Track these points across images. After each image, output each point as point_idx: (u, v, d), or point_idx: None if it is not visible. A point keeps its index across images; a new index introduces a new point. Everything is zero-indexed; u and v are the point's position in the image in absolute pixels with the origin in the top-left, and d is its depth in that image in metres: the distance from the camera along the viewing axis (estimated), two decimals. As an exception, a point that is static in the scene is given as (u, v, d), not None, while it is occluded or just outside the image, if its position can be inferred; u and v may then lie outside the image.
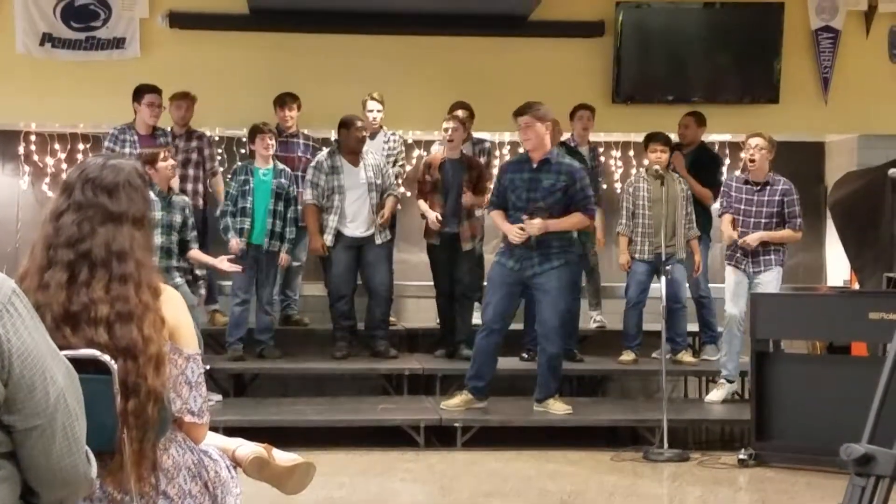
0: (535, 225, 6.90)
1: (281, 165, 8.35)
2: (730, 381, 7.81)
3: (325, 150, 8.52)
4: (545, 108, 7.11)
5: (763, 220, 7.61)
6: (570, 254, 7.17)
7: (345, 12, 9.16)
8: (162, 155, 7.27)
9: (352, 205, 8.31)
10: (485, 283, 8.04)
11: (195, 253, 7.45)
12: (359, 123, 8.34)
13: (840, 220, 9.04)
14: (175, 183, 7.60)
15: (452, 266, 8.48)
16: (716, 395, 7.94)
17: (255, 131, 8.25)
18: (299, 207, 8.38)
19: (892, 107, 9.70)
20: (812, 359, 7.99)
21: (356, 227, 8.33)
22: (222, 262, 7.45)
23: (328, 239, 8.32)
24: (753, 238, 7.57)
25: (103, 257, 2.71)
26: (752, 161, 7.57)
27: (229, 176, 8.49)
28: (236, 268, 7.56)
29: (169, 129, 8.58)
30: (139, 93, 8.29)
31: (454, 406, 7.34)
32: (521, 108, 7.13)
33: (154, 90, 8.29)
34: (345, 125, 8.32)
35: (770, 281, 7.58)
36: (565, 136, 9.10)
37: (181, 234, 7.33)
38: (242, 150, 9.50)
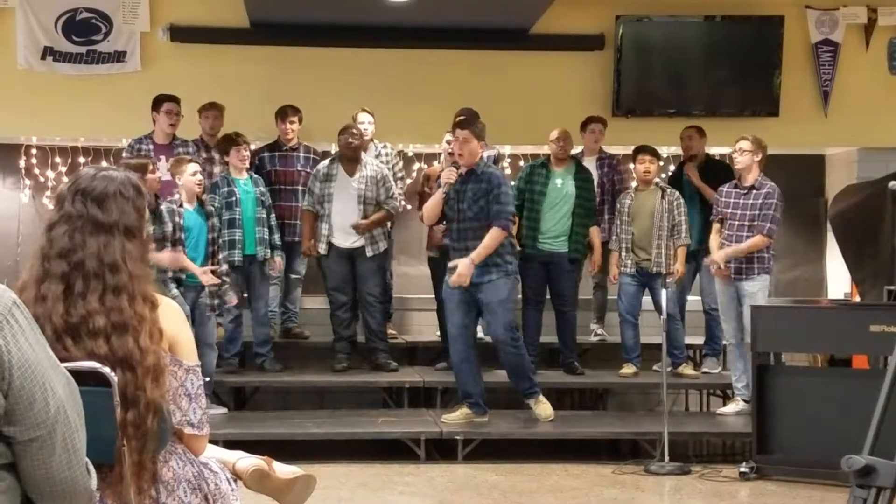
0: (463, 268, 7.02)
1: (254, 175, 8.34)
2: (745, 401, 7.62)
3: (329, 158, 8.54)
4: (483, 126, 7.38)
5: (746, 224, 7.59)
6: (507, 265, 7.22)
7: (346, 26, 9.18)
8: (150, 167, 7.23)
9: (339, 214, 8.30)
10: None
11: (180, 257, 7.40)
12: (353, 131, 8.35)
13: (840, 232, 9.03)
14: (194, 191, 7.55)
15: None
16: (727, 408, 7.96)
17: (230, 143, 8.18)
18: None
19: (892, 119, 9.71)
20: (813, 372, 7.99)
21: (345, 238, 8.34)
22: (206, 274, 7.39)
23: (321, 247, 8.34)
24: (719, 256, 7.59)
25: (96, 268, 2.70)
26: (736, 162, 7.61)
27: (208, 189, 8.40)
28: (215, 280, 7.51)
29: (190, 140, 8.52)
30: (158, 102, 8.32)
31: (455, 420, 7.34)
32: (462, 122, 7.48)
33: (172, 99, 8.33)
34: (339, 133, 8.36)
35: (755, 292, 7.53)
36: (578, 149, 9.11)
37: (211, 244, 7.34)
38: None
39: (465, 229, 7.22)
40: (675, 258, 8.21)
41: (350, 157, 8.34)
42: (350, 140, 8.29)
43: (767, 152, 7.72)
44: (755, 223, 7.56)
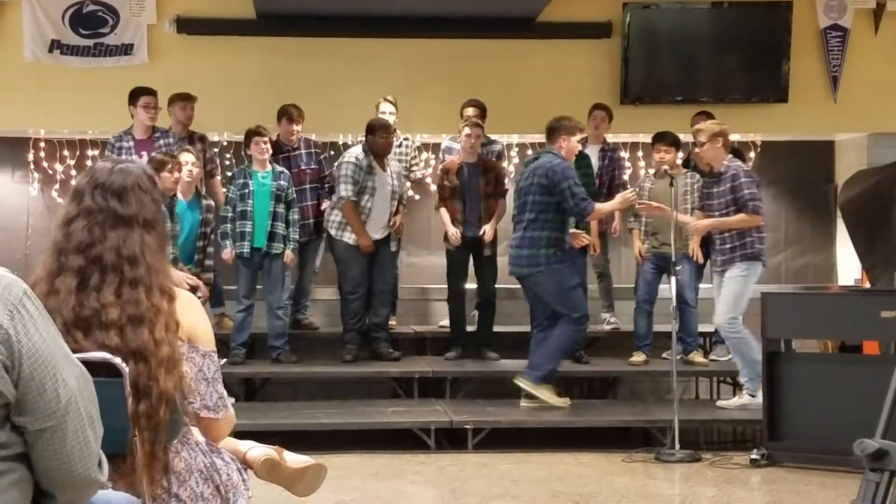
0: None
1: (280, 168, 8.32)
2: (751, 396, 7.45)
3: (358, 148, 8.41)
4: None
5: (720, 213, 7.44)
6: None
7: (352, 16, 9.17)
8: (170, 165, 7.16)
9: (379, 208, 8.32)
10: None
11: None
12: (389, 128, 8.34)
13: (850, 219, 9.01)
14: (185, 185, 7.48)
15: (472, 270, 8.49)
16: (731, 402, 7.81)
17: (250, 135, 8.20)
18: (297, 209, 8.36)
19: (902, 105, 9.68)
20: (824, 358, 7.96)
21: (375, 231, 8.34)
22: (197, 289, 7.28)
23: (352, 238, 8.30)
24: (703, 224, 7.51)
25: (114, 261, 2.71)
26: (701, 159, 7.59)
27: (228, 181, 8.43)
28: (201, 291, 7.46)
29: (168, 128, 8.43)
30: (134, 96, 8.21)
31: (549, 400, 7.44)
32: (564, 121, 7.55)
33: (149, 92, 8.21)
34: (374, 130, 8.28)
35: (733, 277, 7.34)
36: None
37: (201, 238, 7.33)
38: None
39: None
40: (692, 242, 8.16)
41: (382, 154, 8.33)
42: (388, 138, 8.28)
43: (729, 135, 7.55)
44: (728, 210, 7.39)
